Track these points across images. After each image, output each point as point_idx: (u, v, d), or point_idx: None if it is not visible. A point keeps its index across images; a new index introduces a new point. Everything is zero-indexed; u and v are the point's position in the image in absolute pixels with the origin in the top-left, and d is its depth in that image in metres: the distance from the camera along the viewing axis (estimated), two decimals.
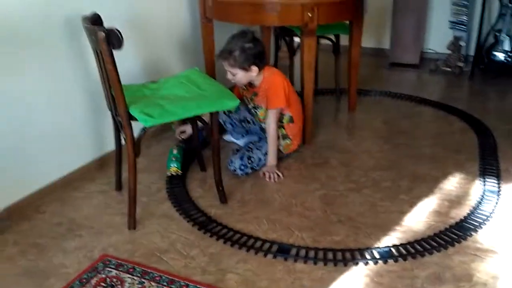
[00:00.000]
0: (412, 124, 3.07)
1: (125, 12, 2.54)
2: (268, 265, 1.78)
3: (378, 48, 4.67)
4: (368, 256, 1.82)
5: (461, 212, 2.09)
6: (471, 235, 1.93)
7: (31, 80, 2.10)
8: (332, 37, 3.44)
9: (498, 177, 2.36)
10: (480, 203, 2.15)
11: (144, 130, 1.90)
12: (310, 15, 2.52)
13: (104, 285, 1.68)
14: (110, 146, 2.38)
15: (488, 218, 2.03)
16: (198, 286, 1.67)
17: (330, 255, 1.83)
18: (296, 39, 3.44)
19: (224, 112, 2.59)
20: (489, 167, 2.45)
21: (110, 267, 1.77)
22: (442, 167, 2.47)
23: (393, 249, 1.86)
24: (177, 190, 2.29)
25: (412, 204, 2.16)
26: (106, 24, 2.01)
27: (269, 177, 2.38)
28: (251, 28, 2.47)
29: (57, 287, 1.67)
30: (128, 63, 2.63)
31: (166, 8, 2.87)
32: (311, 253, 1.84)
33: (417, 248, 1.86)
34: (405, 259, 1.80)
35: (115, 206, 2.16)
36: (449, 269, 1.75)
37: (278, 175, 2.39)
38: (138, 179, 2.34)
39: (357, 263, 1.79)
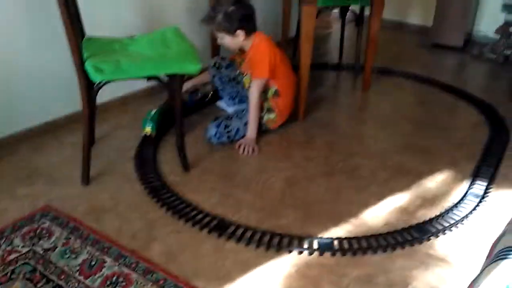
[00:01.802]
0: (424, 112, 2.83)
1: None
2: (199, 240, 1.73)
3: (423, 26, 4.32)
4: (305, 245, 1.71)
5: (430, 213, 1.91)
6: (428, 240, 1.76)
7: (15, 26, 2.14)
8: (357, 8, 3.23)
9: (491, 180, 2.12)
10: (456, 206, 1.94)
11: (98, 85, 1.87)
12: None
13: (32, 234, 1.71)
14: (100, 98, 2.38)
15: (457, 224, 1.84)
16: (119, 250, 1.65)
17: (266, 239, 1.74)
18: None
19: (215, 65, 2.52)
20: (486, 168, 2.21)
21: (46, 219, 1.79)
22: (433, 162, 2.26)
23: (335, 242, 1.74)
24: (146, 151, 2.27)
25: (380, 197, 2.00)
26: None
27: (243, 150, 2.29)
28: None
29: None
30: (126, 15, 2.60)
31: None
32: (248, 234, 1.76)
33: (361, 244, 1.73)
34: (343, 254, 1.68)
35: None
36: (385, 272, 1.60)
37: (253, 149, 2.30)
38: (114, 135, 2.37)
39: (290, 251, 1.69)
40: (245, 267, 1.61)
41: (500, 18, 3.79)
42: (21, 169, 2.10)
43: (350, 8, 3.31)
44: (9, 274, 1.53)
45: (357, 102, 3.02)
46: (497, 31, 3.74)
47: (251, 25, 2.27)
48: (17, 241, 1.67)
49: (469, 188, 2.06)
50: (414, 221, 1.86)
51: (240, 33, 2.26)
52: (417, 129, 2.60)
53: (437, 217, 1.88)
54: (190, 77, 2.59)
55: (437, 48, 3.95)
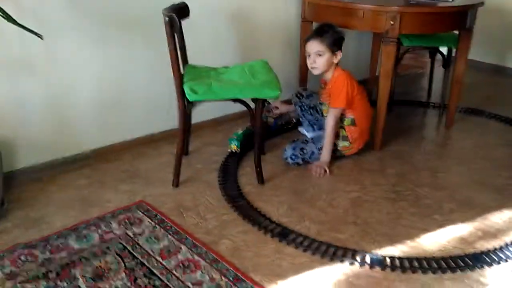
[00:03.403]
0: (506, 153, 2.82)
1: (232, 5, 2.91)
2: (262, 242, 1.95)
3: None
4: (358, 258, 1.85)
5: (489, 244, 1.95)
6: (481, 268, 1.81)
7: (134, 53, 2.60)
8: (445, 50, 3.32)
9: None
10: None
11: (191, 103, 2.20)
12: (392, 23, 2.53)
13: (127, 221, 2.05)
14: (197, 118, 2.75)
15: None
16: (194, 241, 1.92)
17: (322, 249, 1.91)
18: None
19: (296, 95, 2.80)
20: None
21: (140, 210, 2.13)
22: (504, 200, 2.28)
23: (387, 259, 1.85)
24: (229, 165, 2.56)
25: (441, 225, 2.08)
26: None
27: (315, 171, 2.49)
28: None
29: (95, 214, 2.09)
30: (227, 48, 2.98)
31: (272, 6, 3.13)
32: (306, 242, 1.94)
33: (413, 264, 1.83)
34: (393, 270, 1.79)
35: None
36: None
37: (325, 171, 2.49)
38: (205, 150, 2.70)
39: (342, 261, 1.84)
40: (299, 269, 1.79)
41: None
42: (125, 171, 2.49)
43: (439, 49, 3.39)
44: (104, 249, 1.87)
45: (437, 138, 3.08)
46: None
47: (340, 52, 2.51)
48: (114, 225, 2.02)
49: None
50: (470, 250, 1.91)
51: (339, 54, 2.50)
52: (495, 168, 2.61)
53: (495, 249, 1.92)
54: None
55: None
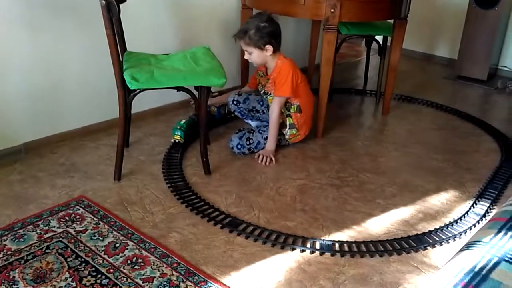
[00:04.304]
0: (440, 137, 2.96)
1: None
2: (212, 233, 1.91)
3: (450, 59, 4.45)
4: (308, 245, 1.87)
5: (430, 226, 2.03)
6: (424, 249, 1.88)
7: (68, 40, 2.45)
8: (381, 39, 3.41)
9: (495, 201, 2.22)
10: (456, 222, 2.06)
11: (133, 93, 2.11)
12: (332, 10, 2.55)
13: (67, 218, 1.93)
14: (136, 107, 2.64)
15: (454, 238, 1.95)
16: (141, 236, 1.85)
17: (272, 237, 1.90)
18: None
19: (233, 103, 2.66)
20: (491, 190, 2.31)
21: (80, 206, 2.02)
22: (440, 183, 2.39)
23: (336, 244, 1.88)
24: (173, 155, 2.49)
25: (384, 209, 2.14)
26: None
27: (261, 160, 2.48)
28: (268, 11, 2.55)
29: (31, 212, 1.96)
30: (166, 35, 2.88)
31: None
32: (257, 232, 1.93)
33: (361, 248, 1.87)
34: (342, 255, 1.82)
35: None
36: (380, 273, 1.74)
37: (271, 159, 2.48)
38: (147, 141, 2.61)
39: (294, 249, 1.84)
40: (251, 259, 1.78)
41: None
42: (62, 165, 2.35)
43: (375, 38, 3.49)
44: (44, 249, 1.75)
45: (375, 125, 3.18)
46: None
47: (278, 42, 2.49)
48: (53, 223, 1.90)
49: (471, 207, 2.17)
50: (413, 232, 1.98)
51: (269, 48, 2.46)
52: (430, 152, 2.73)
53: (436, 230, 2.00)
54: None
55: (461, 80, 4.06)
